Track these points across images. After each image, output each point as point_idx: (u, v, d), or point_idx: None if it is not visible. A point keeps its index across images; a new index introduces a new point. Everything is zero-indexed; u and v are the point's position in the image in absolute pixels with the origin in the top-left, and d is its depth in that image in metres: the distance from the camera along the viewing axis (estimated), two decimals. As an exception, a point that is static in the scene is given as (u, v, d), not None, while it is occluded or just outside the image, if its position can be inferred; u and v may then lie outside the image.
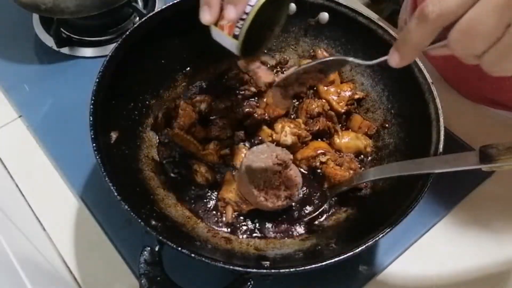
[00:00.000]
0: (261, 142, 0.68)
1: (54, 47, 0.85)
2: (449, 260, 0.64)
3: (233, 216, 0.62)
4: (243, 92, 0.73)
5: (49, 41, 0.85)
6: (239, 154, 0.67)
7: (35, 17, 0.89)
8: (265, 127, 0.69)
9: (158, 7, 0.84)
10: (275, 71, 0.78)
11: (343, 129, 0.71)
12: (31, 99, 0.79)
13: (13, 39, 0.88)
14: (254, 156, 0.62)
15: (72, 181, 0.70)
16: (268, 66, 0.78)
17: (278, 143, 0.66)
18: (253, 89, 0.72)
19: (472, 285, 0.63)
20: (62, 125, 0.75)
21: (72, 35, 0.86)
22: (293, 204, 0.63)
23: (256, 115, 0.68)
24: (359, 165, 0.67)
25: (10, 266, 0.49)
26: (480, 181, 0.71)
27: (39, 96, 0.79)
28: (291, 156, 0.62)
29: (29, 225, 0.65)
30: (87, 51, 0.85)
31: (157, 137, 0.69)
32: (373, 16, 0.68)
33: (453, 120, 0.74)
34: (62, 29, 0.85)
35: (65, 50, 0.85)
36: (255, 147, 0.65)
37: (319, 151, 0.66)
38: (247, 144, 0.69)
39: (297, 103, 0.73)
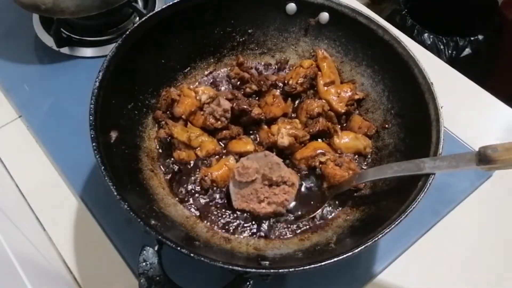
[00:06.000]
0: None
1: (54, 47, 0.85)
2: (449, 260, 0.65)
3: None
4: (243, 88, 0.73)
5: (49, 41, 0.86)
6: (239, 143, 0.68)
7: (35, 17, 0.90)
8: (265, 127, 0.69)
9: (158, 7, 0.84)
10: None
11: (343, 129, 0.71)
12: (31, 99, 0.80)
13: (13, 39, 0.88)
14: (248, 163, 0.62)
15: (72, 181, 0.70)
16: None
17: (275, 144, 0.67)
18: (254, 87, 0.73)
19: (472, 284, 0.63)
20: (62, 125, 0.75)
21: (72, 35, 0.87)
22: (293, 204, 0.63)
23: (253, 114, 0.68)
24: (358, 165, 0.67)
25: (10, 266, 0.49)
26: (480, 182, 0.71)
27: (39, 96, 0.80)
28: (282, 173, 0.62)
29: (29, 225, 0.66)
30: (87, 51, 0.86)
31: (157, 132, 0.69)
32: (373, 16, 0.69)
33: (453, 120, 0.74)
34: (62, 29, 0.86)
35: (65, 50, 0.85)
36: (253, 155, 0.65)
37: (318, 151, 0.66)
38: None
39: (297, 101, 0.74)
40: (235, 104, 0.69)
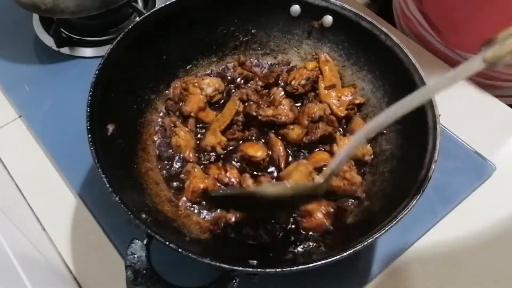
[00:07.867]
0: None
1: (54, 47, 0.88)
2: (449, 260, 0.67)
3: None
4: (249, 86, 0.76)
5: (49, 41, 0.88)
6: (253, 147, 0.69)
7: (35, 17, 0.92)
8: (272, 135, 0.72)
9: (158, 6, 0.88)
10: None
11: (344, 133, 0.73)
12: (31, 99, 0.82)
13: (13, 39, 0.91)
14: None
15: (72, 181, 0.72)
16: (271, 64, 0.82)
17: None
18: (260, 83, 0.76)
19: (473, 284, 0.65)
20: (62, 125, 0.78)
21: (72, 35, 0.89)
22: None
23: (260, 117, 0.71)
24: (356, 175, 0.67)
25: (10, 266, 0.51)
26: (480, 181, 0.73)
27: (39, 96, 0.82)
28: None
29: (29, 225, 0.68)
30: (87, 51, 0.88)
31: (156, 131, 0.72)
32: (376, 21, 0.71)
33: (453, 120, 0.77)
34: (62, 29, 0.88)
35: (65, 50, 0.88)
36: None
37: (322, 163, 0.67)
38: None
39: (299, 104, 0.76)
40: (244, 107, 0.72)
